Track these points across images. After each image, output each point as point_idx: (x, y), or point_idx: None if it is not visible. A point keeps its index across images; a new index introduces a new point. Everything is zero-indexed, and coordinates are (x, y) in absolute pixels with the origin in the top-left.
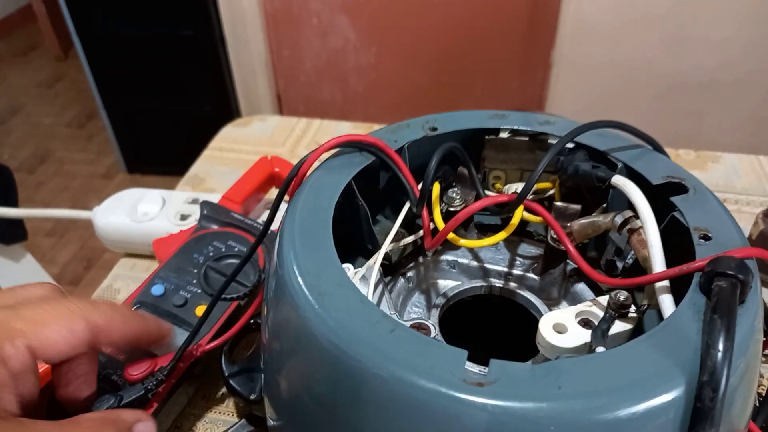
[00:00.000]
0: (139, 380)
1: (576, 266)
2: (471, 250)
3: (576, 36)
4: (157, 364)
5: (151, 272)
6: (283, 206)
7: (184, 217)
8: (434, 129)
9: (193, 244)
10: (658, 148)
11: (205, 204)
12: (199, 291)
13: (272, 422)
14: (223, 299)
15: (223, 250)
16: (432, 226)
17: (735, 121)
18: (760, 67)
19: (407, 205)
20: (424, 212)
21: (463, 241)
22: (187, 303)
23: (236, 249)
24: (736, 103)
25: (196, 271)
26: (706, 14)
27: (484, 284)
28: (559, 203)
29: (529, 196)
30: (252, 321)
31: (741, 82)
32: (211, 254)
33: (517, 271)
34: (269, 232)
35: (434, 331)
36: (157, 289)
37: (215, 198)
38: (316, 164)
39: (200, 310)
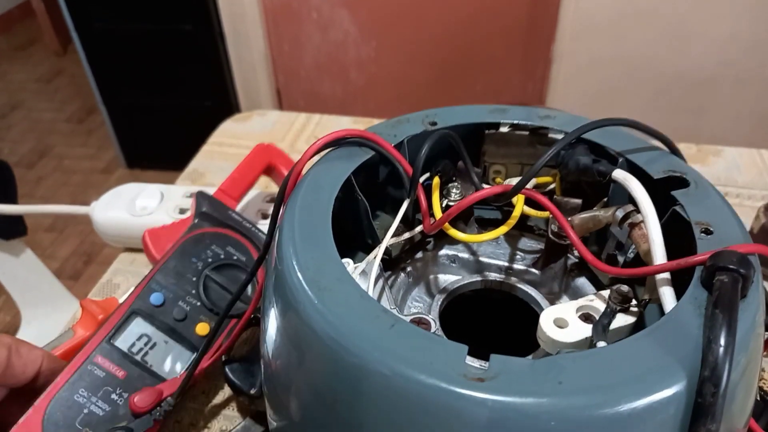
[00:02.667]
0: (146, 411)
1: (577, 260)
2: (471, 244)
3: (577, 31)
4: (163, 393)
5: (149, 270)
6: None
7: (182, 211)
8: (434, 123)
9: (191, 245)
10: (671, 147)
11: (201, 197)
12: (199, 304)
13: (272, 417)
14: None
15: (222, 256)
16: (432, 221)
17: (736, 117)
18: (761, 64)
19: (407, 201)
20: (422, 195)
21: (463, 236)
22: (186, 318)
23: (235, 258)
24: (737, 99)
25: (195, 279)
26: (707, 11)
27: (485, 279)
28: (559, 197)
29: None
30: (252, 315)
31: (742, 79)
32: (210, 260)
33: (517, 266)
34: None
35: (434, 326)
36: (156, 298)
37: (213, 191)
38: (315, 159)
39: (200, 328)
